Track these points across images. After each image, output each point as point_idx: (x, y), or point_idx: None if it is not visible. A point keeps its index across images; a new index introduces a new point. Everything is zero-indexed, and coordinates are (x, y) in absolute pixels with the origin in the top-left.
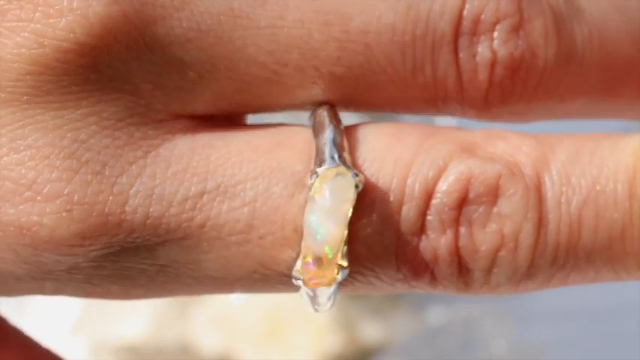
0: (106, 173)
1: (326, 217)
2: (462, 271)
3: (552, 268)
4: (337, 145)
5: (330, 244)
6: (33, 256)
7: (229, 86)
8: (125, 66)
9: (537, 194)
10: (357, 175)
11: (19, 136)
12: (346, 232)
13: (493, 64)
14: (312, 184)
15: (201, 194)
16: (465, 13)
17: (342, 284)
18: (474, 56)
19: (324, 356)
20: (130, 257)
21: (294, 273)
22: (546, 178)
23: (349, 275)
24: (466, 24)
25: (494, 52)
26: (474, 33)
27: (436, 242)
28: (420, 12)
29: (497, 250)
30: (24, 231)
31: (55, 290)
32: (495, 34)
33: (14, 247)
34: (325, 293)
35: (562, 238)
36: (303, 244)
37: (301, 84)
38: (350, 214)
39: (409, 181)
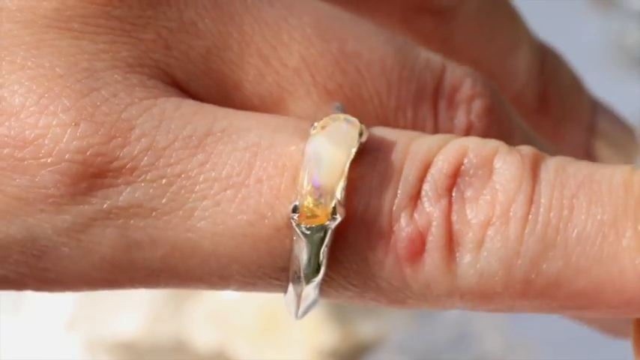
0: (115, 102)
1: (327, 149)
2: (451, 244)
3: (542, 246)
4: (343, 111)
5: (329, 176)
6: (31, 175)
7: (229, 73)
8: (144, 12)
9: (533, 172)
10: (362, 125)
11: (33, 55)
12: (346, 172)
13: (469, 129)
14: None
15: (207, 135)
16: (445, 77)
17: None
18: (452, 119)
19: (319, 352)
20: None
21: (292, 216)
22: (543, 164)
23: (335, 262)
24: (446, 89)
25: (470, 122)
26: (452, 99)
27: (430, 209)
28: (408, 58)
29: (489, 221)
30: (27, 144)
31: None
32: (472, 107)
33: (12, 161)
34: (311, 287)
35: (553, 216)
36: (300, 173)
37: (296, 91)
38: (352, 158)
39: (412, 147)
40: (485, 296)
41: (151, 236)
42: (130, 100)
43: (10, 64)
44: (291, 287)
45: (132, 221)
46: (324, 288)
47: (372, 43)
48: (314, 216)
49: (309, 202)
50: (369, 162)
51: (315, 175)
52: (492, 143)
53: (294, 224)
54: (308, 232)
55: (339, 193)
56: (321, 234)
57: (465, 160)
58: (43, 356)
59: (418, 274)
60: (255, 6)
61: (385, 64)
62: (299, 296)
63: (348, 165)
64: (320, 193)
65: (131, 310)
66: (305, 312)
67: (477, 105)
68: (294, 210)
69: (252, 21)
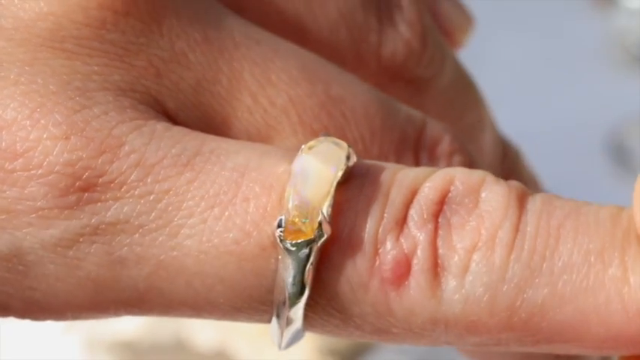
0: (107, 119)
1: (315, 165)
2: (437, 269)
3: (527, 272)
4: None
5: (315, 191)
6: (20, 187)
7: (217, 107)
8: (137, 39)
9: (519, 202)
10: (350, 148)
11: (26, 72)
12: (332, 190)
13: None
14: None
15: (195, 154)
16: (426, 130)
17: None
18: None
19: (319, 351)
20: (110, 209)
21: (277, 232)
22: (530, 196)
23: (319, 284)
24: (427, 141)
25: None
26: (433, 152)
27: (416, 234)
28: (390, 108)
29: (475, 247)
30: (17, 156)
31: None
32: (452, 162)
33: (2, 173)
34: (296, 310)
35: (539, 244)
36: (287, 189)
37: (283, 129)
38: (338, 179)
39: (399, 174)
40: (470, 325)
41: (137, 254)
42: (120, 118)
43: (4, 79)
44: (275, 314)
45: (118, 238)
46: (308, 314)
47: (355, 90)
48: (299, 232)
49: (294, 216)
50: (356, 185)
51: (301, 190)
52: (479, 173)
53: (278, 240)
54: (293, 249)
55: (325, 210)
56: (307, 251)
57: (452, 188)
58: (42, 356)
59: (403, 298)
60: (243, 44)
61: (368, 112)
62: (284, 324)
63: (335, 183)
64: (306, 208)
65: None
66: (289, 342)
67: (457, 160)
68: (279, 225)
69: (241, 58)
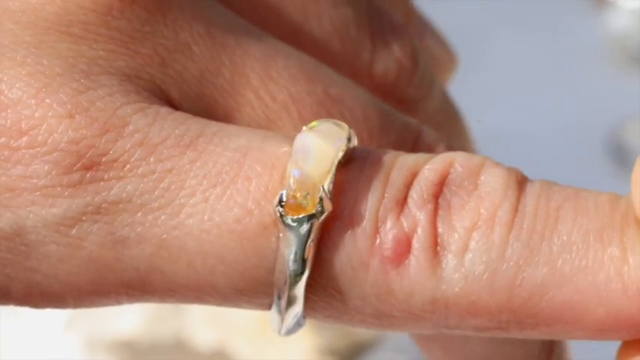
0: (111, 100)
1: (316, 142)
2: (437, 248)
3: (527, 251)
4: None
5: (316, 167)
6: (24, 165)
7: (220, 100)
8: (142, 27)
9: (518, 185)
10: (351, 129)
11: (33, 54)
12: (334, 168)
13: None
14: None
15: (199, 135)
16: (423, 136)
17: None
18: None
19: (319, 351)
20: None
21: (277, 208)
22: (528, 181)
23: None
24: (423, 146)
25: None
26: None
27: (416, 213)
28: (388, 112)
29: (474, 226)
30: (22, 134)
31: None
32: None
33: (7, 151)
34: (297, 289)
35: (538, 223)
36: (288, 166)
37: (284, 125)
38: (339, 159)
39: (400, 158)
40: (470, 305)
41: (138, 233)
42: (125, 100)
43: (10, 60)
44: (276, 295)
45: (120, 217)
46: (309, 296)
47: (353, 93)
48: (300, 207)
49: (295, 191)
50: (357, 166)
51: (303, 165)
52: (479, 157)
53: (279, 216)
54: (294, 224)
55: (326, 186)
56: (308, 226)
57: (452, 170)
58: (42, 355)
59: (403, 277)
60: (245, 41)
61: (367, 114)
62: (284, 305)
63: (336, 161)
64: (307, 183)
65: (130, 309)
66: (290, 328)
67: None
68: (281, 202)
69: (243, 54)
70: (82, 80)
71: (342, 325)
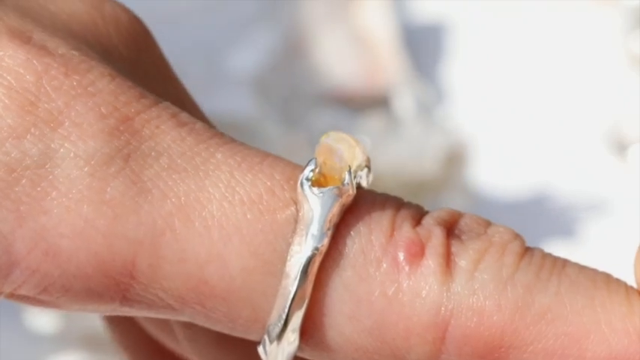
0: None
1: (348, 140)
2: (449, 259)
3: (536, 279)
4: None
5: (348, 150)
6: (65, 102)
7: None
8: (142, 63)
9: (523, 241)
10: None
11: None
12: (355, 165)
13: None
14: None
15: (222, 133)
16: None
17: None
18: None
19: None
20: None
21: (303, 180)
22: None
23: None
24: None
25: None
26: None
27: (431, 228)
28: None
29: (486, 250)
30: (67, 76)
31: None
32: None
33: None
34: (314, 259)
35: (548, 262)
36: (318, 145)
37: None
38: (358, 163)
39: (405, 203)
40: (475, 320)
41: (161, 189)
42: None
43: None
44: (284, 280)
45: (147, 170)
46: (315, 289)
47: None
48: (326, 180)
49: (324, 162)
50: (367, 191)
51: (333, 144)
52: (483, 218)
53: (306, 186)
54: (320, 195)
55: (354, 165)
56: (331, 198)
57: (460, 219)
58: (42, 355)
59: (413, 278)
60: None
61: None
62: (297, 287)
63: (360, 156)
64: (337, 160)
65: None
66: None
67: None
68: (307, 177)
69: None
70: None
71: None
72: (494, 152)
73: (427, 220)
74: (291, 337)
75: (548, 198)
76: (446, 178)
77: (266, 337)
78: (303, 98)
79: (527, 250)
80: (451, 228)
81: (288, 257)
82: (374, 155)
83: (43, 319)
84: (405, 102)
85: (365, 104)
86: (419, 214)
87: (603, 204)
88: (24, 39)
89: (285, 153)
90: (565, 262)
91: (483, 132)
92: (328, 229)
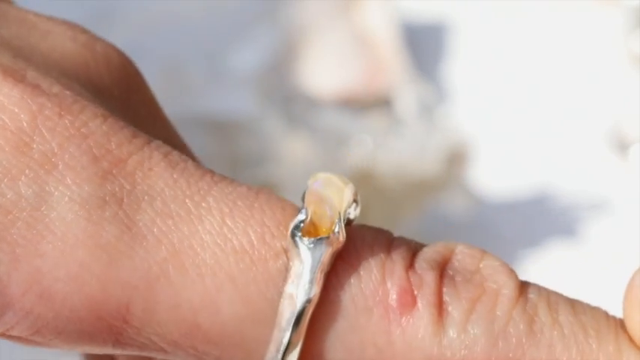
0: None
1: (335, 181)
2: (441, 307)
3: (529, 331)
4: None
5: (336, 195)
6: (59, 144)
7: None
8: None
9: (516, 275)
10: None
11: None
12: (344, 210)
13: None
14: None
15: (212, 171)
16: None
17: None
18: None
19: None
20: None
21: (293, 231)
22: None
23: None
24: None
25: None
26: None
27: (423, 274)
28: None
29: (478, 298)
30: (61, 117)
31: None
32: None
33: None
34: (306, 310)
35: (540, 308)
36: (307, 192)
37: None
38: (347, 205)
39: (398, 236)
40: None
41: (156, 235)
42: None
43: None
44: (276, 332)
45: (141, 215)
46: (308, 337)
47: None
48: (316, 231)
49: (314, 212)
50: (358, 227)
51: (323, 192)
52: (477, 249)
53: (296, 238)
54: (310, 246)
55: (343, 211)
56: (321, 249)
57: (453, 253)
58: (42, 354)
59: (406, 330)
60: None
61: None
62: (283, 352)
63: (349, 202)
64: (326, 207)
65: None
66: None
67: None
68: (296, 227)
69: None
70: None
71: None
72: (496, 152)
73: (419, 264)
74: None
75: (549, 197)
76: (447, 178)
77: None
78: (303, 98)
79: (520, 294)
80: (444, 268)
81: (280, 308)
82: (375, 155)
83: None
84: (406, 102)
85: (366, 104)
86: (410, 254)
87: (604, 203)
88: (18, 77)
89: (285, 153)
90: (558, 306)
91: (484, 132)
92: (319, 279)
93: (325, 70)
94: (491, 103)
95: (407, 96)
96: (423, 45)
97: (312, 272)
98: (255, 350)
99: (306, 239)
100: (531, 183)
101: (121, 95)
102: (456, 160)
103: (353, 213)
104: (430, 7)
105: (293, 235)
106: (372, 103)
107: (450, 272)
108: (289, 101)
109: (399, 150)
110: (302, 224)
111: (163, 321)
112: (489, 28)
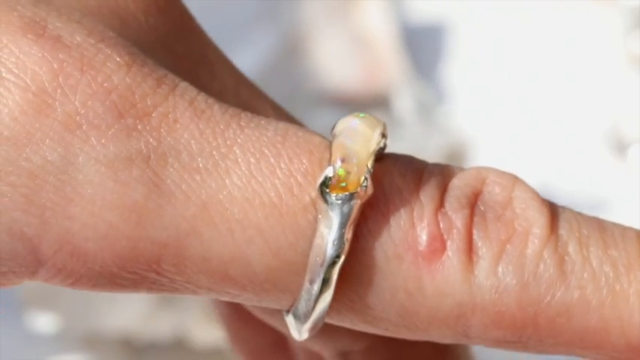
0: (161, 67)
1: (360, 124)
2: (471, 253)
3: (559, 272)
4: None
5: (363, 146)
6: (81, 102)
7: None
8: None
9: (551, 206)
10: (385, 125)
11: (87, 19)
12: (374, 154)
13: None
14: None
15: (240, 112)
16: None
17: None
18: None
19: None
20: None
21: (321, 186)
22: (559, 206)
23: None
24: None
25: None
26: None
27: (453, 216)
28: None
29: (509, 238)
30: (82, 73)
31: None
32: None
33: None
34: (333, 272)
35: (571, 247)
36: (334, 144)
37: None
38: (381, 144)
39: (430, 165)
40: (497, 316)
41: (184, 191)
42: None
43: (66, 15)
44: (308, 280)
45: (168, 171)
46: (339, 285)
47: None
48: (343, 186)
49: (340, 168)
50: (390, 163)
51: (350, 144)
52: (509, 173)
53: (321, 194)
54: (337, 202)
55: (370, 164)
56: (350, 205)
57: (485, 183)
58: (42, 355)
59: (435, 275)
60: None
61: None
62: (317, 292)
63: (377, 147)
64: (353, 162)
65: (129, 306)
66: (316, 321)
67: None
68: (324, 182)
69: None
70: (135, 48)
71: (360, 327)
72: (495, 152)
73: (449, 203)
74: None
75: (548, 197)
76: None
77: (292, 316)
78: (303, 98)
79: (552, 231)
80: (474, 203)
81: (310, 259)
82: None
83: (43, 319)
84: (405, 102)
85: (365, 104)
86: (440, 191)
87: (603, 204)
88: (38, 31)
89: None
90: (589, 241)
91: (483, 132)
92: (348, 230)
93: (324, 70)
94: (490, 104)
95: (406, 96)
96: (422, 45)
97: (342, 225)
98: (288, 298)
99: (334, 195)
100: (530, 183)
101: (148, 21)
102: (454, 160)
103: (383, 145)
104: (429, 7)
105: (321, 192)
106: (371, 104)
107: (482, 208)
108: (288, 101)
109: (397, 150)
110: (330, 181)
111: (194, 273)
112: (488, 28)
